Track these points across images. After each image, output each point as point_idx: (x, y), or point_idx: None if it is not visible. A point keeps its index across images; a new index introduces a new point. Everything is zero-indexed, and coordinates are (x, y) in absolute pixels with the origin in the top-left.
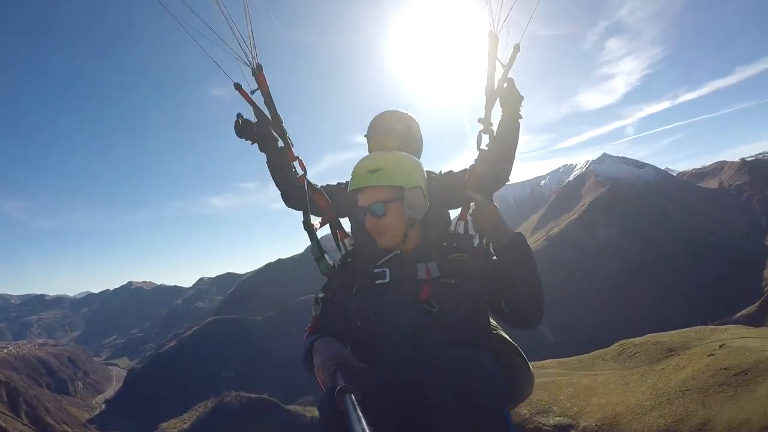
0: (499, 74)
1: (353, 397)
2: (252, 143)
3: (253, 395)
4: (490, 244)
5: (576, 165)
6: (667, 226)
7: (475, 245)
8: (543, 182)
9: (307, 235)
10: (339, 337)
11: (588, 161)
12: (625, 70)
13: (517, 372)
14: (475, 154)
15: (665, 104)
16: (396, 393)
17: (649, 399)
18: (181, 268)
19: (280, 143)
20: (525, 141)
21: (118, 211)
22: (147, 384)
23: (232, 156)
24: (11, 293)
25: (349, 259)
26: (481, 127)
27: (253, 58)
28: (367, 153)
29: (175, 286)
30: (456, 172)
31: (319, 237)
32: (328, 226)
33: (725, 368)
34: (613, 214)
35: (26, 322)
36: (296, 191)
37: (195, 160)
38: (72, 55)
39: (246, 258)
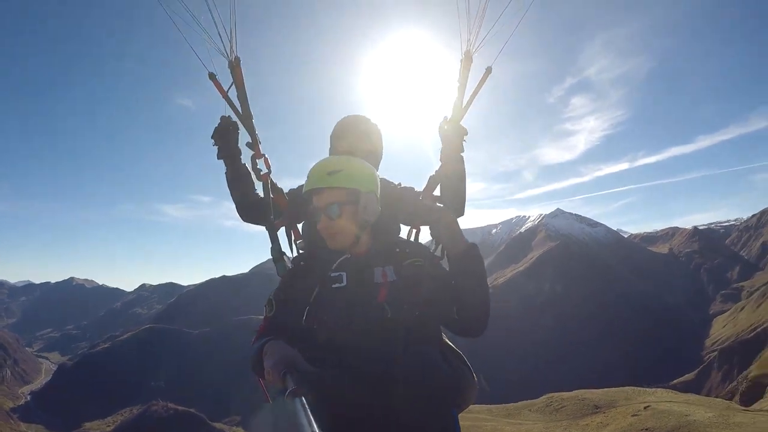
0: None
1: (303, 400)
2: (214, 145)
3: (180, 408)
4: (445, 252)
5: (529, 217)
6: (614, 285)
7: (430, 252)
8: (494, 231)
9: (268, 235)
10: (290, 339)
11: (541, 215)
12: (587, 128)
13: (463, 378)
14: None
15: (624, 165)
16: (348, 394)
17: None
18: (124, 270)
19: (248, 140)
20: (480, 188)
21: (68, 204)
22: (75, 382)
23: (191, 166)
24: None
25: (302, 262)
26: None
27: (231, 50)
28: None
29: (116, 288)
30: (415, 190)
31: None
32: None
33: (646, 429)
34: (561, 269)
35: None
36: (253, 198)
37: (151, 165)
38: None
39: (191, 270)
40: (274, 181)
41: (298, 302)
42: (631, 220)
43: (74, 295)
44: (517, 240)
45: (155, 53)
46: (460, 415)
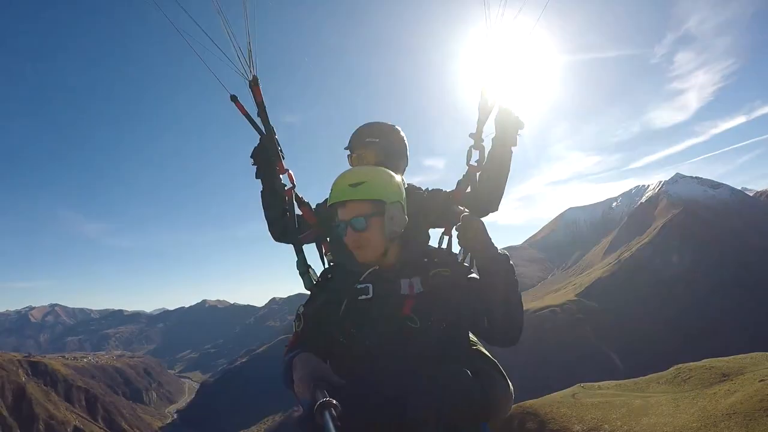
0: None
1: (333, 413)
2: (254, 164)
3: None
4: (474, 261)
5: (648, 186)
6: (743, 249)
7: (459, 261)
8: (614, 204)
9: (293, 249)
10: (320, 352)
11: (660, 182)
12: (697, 84)
13: (496, 388)
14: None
15: (741, 119)
16: (376, 408)
17: (695, 421)
18: (253, 288)
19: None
20: (595, 161)
21: (194, 232)
22: (218, 397)
23: (303, 177)
24: (92, 308)
25: (329, 275)
26: (472, 142)
27: (250, 70)
28: (350, 163)
29: (248, 305)
30: (443, 191)
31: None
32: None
33: None
34: (687, 237)
35: (105, 335)
36: (282, 211)
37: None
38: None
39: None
40: (300, 195)
41: (326, 315)
42: (756, 177)
43: (208, 316)
44: (638, 211)
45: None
46: (590, 389)
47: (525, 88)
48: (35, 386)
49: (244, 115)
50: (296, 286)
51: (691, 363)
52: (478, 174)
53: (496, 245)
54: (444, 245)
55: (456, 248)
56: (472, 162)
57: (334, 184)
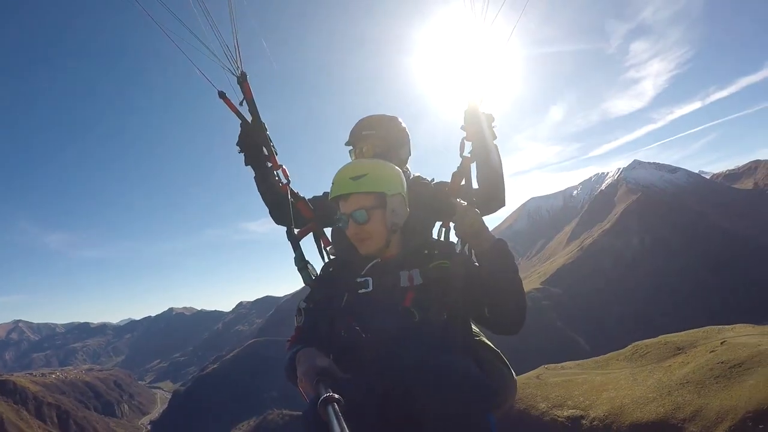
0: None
1: (336, 407)
2: (240, 152)
3: (296, 412)
4: (473, 251)
5: (608, 173)
6: (702, 230)
7: (458, 252)
8: (575, 192)
9: (290, 245)
10: (322, 347)
11: (619, 169)
12: (653, 72)
13: (500, 378)
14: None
15: (696, 104)
16: (379, 402)
17: (652, 392)
18: (220, 293)
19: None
20: (556, 151)
21: (156, 240)
22: (191, 405)
23: (308, 169)
24: (57, 322)
25: (330, 269)
26: (464, 134)
27: (237, 66)
28: (351, 157)
29: (215, 310)
30: (444, 182)
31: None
32: (312, 235)
33: (722, 362)
34: (647, 221)
35: (72, 349)
36: (282, 200)
37: (232, 186)
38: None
39: (284, 281)
40: (295, 190)
41: (327, 309)
42: (712, 161)
43: (176, 325)
44: (599, 198)
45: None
46: (554, 369)
47: (490, 82)
48: (6, 405)
49: (233, 111)
50: (264, 289)
51: (648, 339)
52: (473, 165)
53: (492, 234)
54: (443, 237)
55: (454, 239)
56: (466, 153)
57: (335, 177)
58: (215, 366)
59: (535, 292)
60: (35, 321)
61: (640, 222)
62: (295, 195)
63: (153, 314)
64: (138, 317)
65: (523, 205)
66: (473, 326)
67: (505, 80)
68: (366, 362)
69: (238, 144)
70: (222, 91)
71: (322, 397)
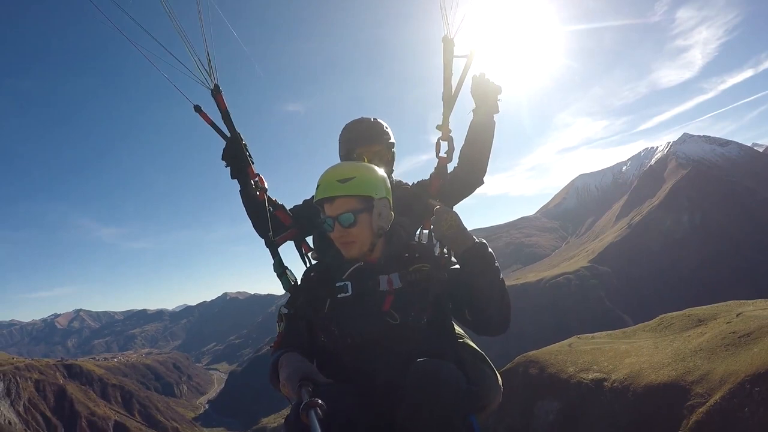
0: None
1: (318, 412)
2: (227, 166)
3: None
4: (452, 252)
5: (657, 147)
6: (753, 205)
7: (437, 254)
8: (624, 168)
9: (269, 251)
10: (304, 352)
11: (669, 143)
12: (701, 40)
13: (482, 380)
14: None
15: (748, 72)
16: (361, 406)
17: (668, 358)
18: (273, 277)
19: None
20: (603, 125)
21: (209, 227)
22: (247, 385)
23: (310, 163)
24: (115, 310)
25: (311, 273)
26: (440, 134)
27: (211, 79)
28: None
29: (268, 294)
30: (424, 182)
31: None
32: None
33: (733, 332)
34: (696, 197)
35: (130, 335)
36: (262, 210)
37: (281, 175)
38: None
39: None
40: (273, 198)
41: (307, 314)
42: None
43: (230, 309)
44: (648, 174)
45: (272, 63)
46: (584, 339)
47: (501, 57)
48: (74, 386)
49: (209, 124)
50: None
51: (674, 312)
52: (449, 165)
53: (472, 235)
54: (424, 239)
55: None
56: (442, 153)
57: (321, 179)
58: (270, 347)
59: (583, 270)
60: (95, 309)
61: (690, 198)
62: (273, 203)
63: (208, 299)
64: (193, 303)
65: (572, 183)
66: (457, 328)
67: (544, 56)
68: (347, 367)
69: (223, 158)
70: (197, 105)
71: (304, 402)
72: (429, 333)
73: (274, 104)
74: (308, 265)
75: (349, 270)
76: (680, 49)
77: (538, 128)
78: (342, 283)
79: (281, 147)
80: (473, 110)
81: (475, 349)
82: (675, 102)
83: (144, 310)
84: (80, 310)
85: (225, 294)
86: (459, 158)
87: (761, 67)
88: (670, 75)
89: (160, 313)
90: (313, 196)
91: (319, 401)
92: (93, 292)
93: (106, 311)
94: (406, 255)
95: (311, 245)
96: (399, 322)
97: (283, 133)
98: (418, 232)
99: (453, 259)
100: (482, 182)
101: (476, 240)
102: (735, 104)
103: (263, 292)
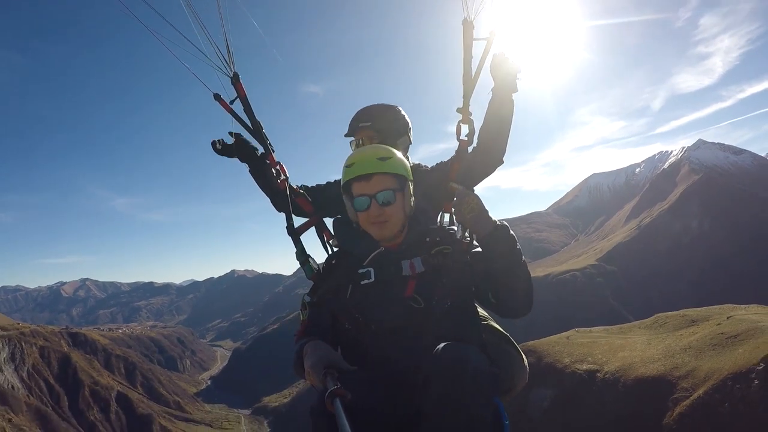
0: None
1: (344, 400)
2: (231, 157)
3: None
4: (474, 236)
5: (672, 151)
6: (761, 215)
7: (459, 237)
8: (638, 170)
9: (291, 239)
10: (328, 339)
11: (683, 148)
12: (722, 48)
13: (507, 362)
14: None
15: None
16: (386, 393)
17: (659, 354)
18: (282, 257)
19: (261, 150)
20: (620, 126)
21: (222, 204)
22: (250, 363)
23: (327, 145)
24: (122, 281)
25: (333, 261)
26: (460, 117)
27: (230, 67)
28: (352, 149)
29: (276, 274)
30: (444, 165)
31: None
32: (314, 229)
33: (722, 333)
34: (706, 204)
35: (136, 307)
36: (280, 196)
37: (295, 154)
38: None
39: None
40: (294, 186)
41: (331, 302)
42: None
43: (237, 286)
44: (660, 177)
45: (290, 45)
46: (582, 332)
47: (520, 43)
48: (78, 355)
49: (228, 112)
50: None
51: (669, 312)
52: (469, 148)
53: (494, 217)
54: (446, 222)
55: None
56: (462, 137)
57: (355, 158)
58: (275, 326)
59: (590, 268)
60: (101, 279)
61: (700, 204)
62: (294, 191)
63: (215, 276)
64: (201, 278)
65: (585, 181)
66: (480, 310)
67: (568, 49)
68: (372, 354)
69: (224, 154)
70: (217, 93)
71: (329, 390)
72: (453, 317)
73: (296, 85)
74: (330, 252)
75: (370, 256)
76: (702, 55)
77: (556, 124)
78: (364, 270)
79: (299, 128)
80: (492, 89)
81: (500, 330)
82: (693, 107)
83: (151, 283)
84: (87, 279)
85: (233, 271)
86: (478, 138)
87: None
88: (689, 80)
89: (167, 287)
90: (329, 182)
91: (345, 389)
92: (101, 261)
93: (112, 281)
94: (427, 239)
95: (332, 232)
96: (423, 307)
97: (300, 114)
98: (438, 217)
99: (474, 242)
100: (502, 162)
101: (498, 223)
102: (753, 113)
103: (271, 271)
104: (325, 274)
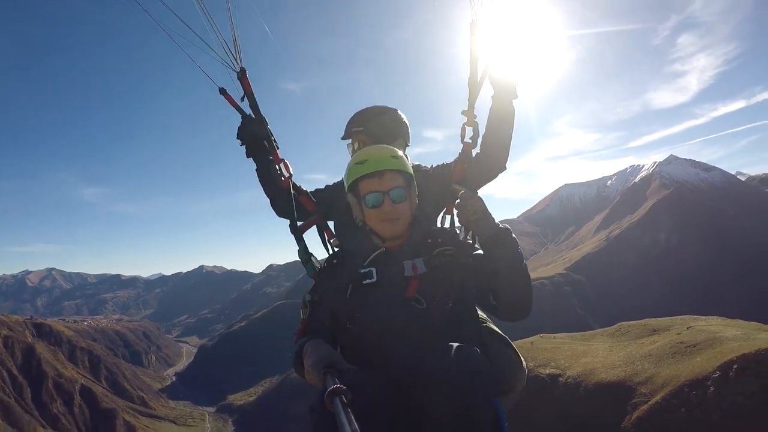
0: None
1: (343, 399)
2: (242, 145)
3: None
4: (476, 238)
5: (643, 166)
6: (728, 231)
7: (461, 239)
8: (609, 182)
9: (294, 238)
10: (329, 339)
11: (655, 162)
12: (698, 66)
13: (507, 364)
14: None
15: (741, 103)
16: (386, 393)
17: (620, 360)
18: (251, 254)
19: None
20: (594, 139)
21: (191, 199)
22: (216, 360)
23: (303, 146)
24: (89, 272)
25: (334, 260)
26: (465, 119)
27: (237, 61)
28: (349, 151)
29: (245, 271)
30: (445, 167)
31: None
32: (315, 228)
33: (681, 342)
34: (675, 218)
35: (102, 300)
36: (282, 194)
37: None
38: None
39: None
40: (297, 184)
41: (332, 301)
42: (754, 161)
43: (205, 282)
44: (631, 190)
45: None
46: (546, 338)
47: (519, 51)
48: (42, 346)
49: (234, 107)
50: (294, 254)
51: (632, 321)
52: (473, 151)
53: (496, 220)
54: (447, 224)
55: (458, 226)
56: (467, 139)
57: (367, 155)
58: (242, 324)
59: (559, 277)
60: (68, 270)
61: (669, 218)
62: (297, 188)
63: (184, 270)
64: (169, 273)
65: (557, 191)
66: (480, 313)
67: (548, 58)
68: (372, 353)
69: (238, 137)
70: (222, 88)
71: (329, 389)
72: (454, 317)
73: (274, 81)
74: (331, 252)
75: (372, 256)
76: (678, 73)
77: (531, 133)
78: (366, 270)
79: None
80: (492, 96)
81: (498, 333)
82: (666, 123)
83: (118, 275)
84: (53, 269)
85: (202, 267)
86: (480, 145)
87: (754, 100)
88: (664, 97)
89: (134, 280)
90: (333, 183)
91: (344, 388)
92: (68, 252)
93: (79, 272)
94: (429, 240)
95: (334, 232)
96: (424, 307)
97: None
98: (439, 218)
99: (476, 245)
100: (505, 168)
101: (501, 226)
102: (724, 132)
103: (240, 268)
104: (327, 274)
